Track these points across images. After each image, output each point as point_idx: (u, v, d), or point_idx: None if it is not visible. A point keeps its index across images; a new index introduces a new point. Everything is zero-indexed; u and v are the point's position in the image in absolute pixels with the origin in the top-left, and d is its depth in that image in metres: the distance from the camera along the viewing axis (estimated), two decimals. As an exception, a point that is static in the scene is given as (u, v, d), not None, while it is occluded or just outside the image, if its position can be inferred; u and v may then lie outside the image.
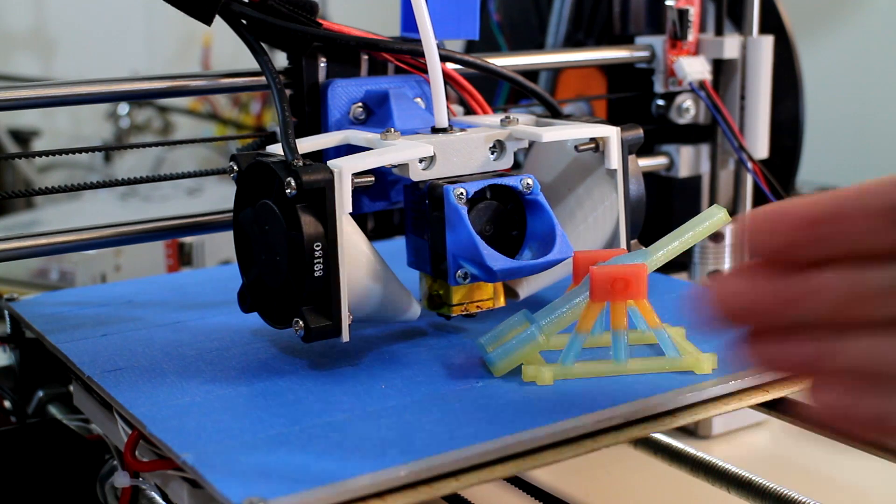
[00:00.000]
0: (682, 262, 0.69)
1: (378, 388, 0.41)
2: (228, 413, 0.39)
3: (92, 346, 0.46)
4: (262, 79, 0.49)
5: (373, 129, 0.47)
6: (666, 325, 0.44)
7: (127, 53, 1.53)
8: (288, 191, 0.40)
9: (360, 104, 0.50)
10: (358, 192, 0.41)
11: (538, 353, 0.43)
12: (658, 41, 0.64)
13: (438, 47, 0.45)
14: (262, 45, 0.48)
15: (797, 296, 0.29)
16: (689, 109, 0.65)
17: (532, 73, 0.74)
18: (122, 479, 0.42)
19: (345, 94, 0.49)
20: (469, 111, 0.52)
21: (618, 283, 0.41)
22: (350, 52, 0.50)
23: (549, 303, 0.44)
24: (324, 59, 0.50)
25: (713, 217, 0.43)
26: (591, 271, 0.41)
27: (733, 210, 0.68)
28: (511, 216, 0.45)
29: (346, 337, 0.42)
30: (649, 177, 0.64)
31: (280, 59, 0.52)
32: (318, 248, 0.40)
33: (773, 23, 0.69)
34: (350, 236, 0.42)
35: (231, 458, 0.35)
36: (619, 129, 0.48)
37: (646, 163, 0.65)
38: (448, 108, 0.46)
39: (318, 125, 0.50)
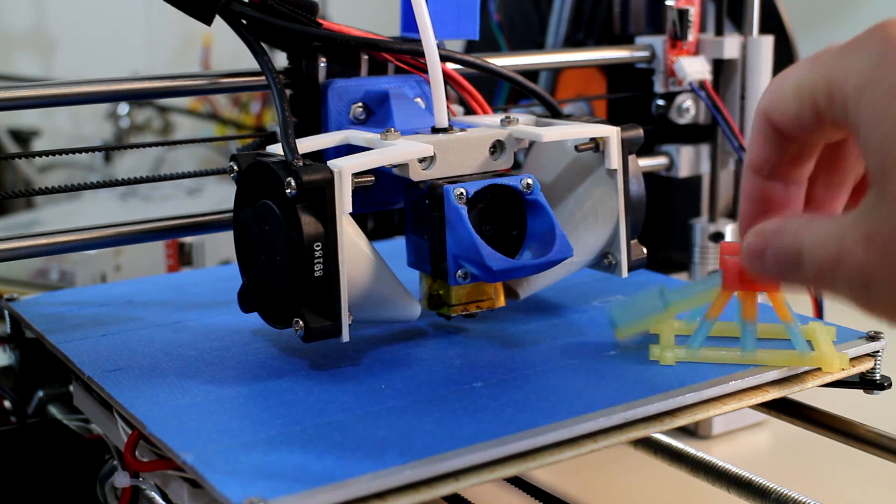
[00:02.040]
0: (682, 263, 0.70)
1: (378, 388, 0.41)
2: (228, 413, 0.39)
3: (92, 346, 0.46)
4: (262, 79, 0.49)
5: (373, 129, 0.47)
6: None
7: (127, 53, 1.53)
8: (288, 191, 0.40)
9: (360, 104, 0.50)
10: (358, 191, 0.42)
11: (670, 333, 0.45)
12: (658, 41, 0.64)
13: (438, 47, 0.45)
14: (262, 45, 0.48)
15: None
16: (689, 109, 0.65)
17: (532, 73, 0.74)
18: (122, 479, 0.42)
19: (345, 94, 0.49)
20: (469, 111, 0.52)
21: (749, 274, 0.41)
22: (350, 52, 0.50)
23: (551, 301, 0.44)
24: (324, 59, 0.50)
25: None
26: (724, 261, 0.42)
27: (733, 210, 0.68)
28: (511, 216, 0.45)
29: (346, 337, 0.42)
30: (649, 177, 0.64)
31: (280, 59, 0.52)
32: (318, 248, 0.40)
33: (773, 23, 0.69)
34: (350, 236, 0.42)
35: (231, 458, 0.35)
36: (619, 129, 0.48)
37: (646, 163, 0.65)
38: (448, 108, 0.46)
39: (318, 125, 0.50)
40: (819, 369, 0.43)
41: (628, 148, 0.48)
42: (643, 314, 0.44)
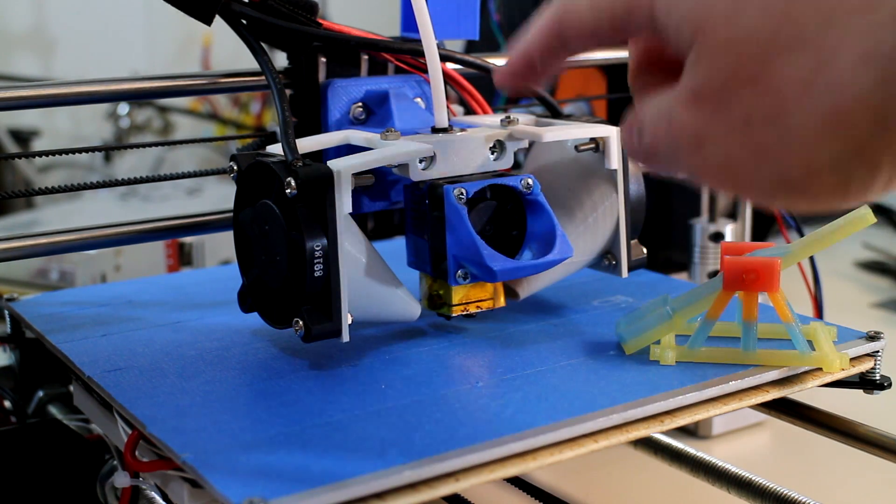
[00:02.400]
0: (682, 263, 0.70)
1: (378, 388, 0.41)
2: (228, 413, 0.39)
3: (92, 346, 0.46)
4: (262, 79, 0.49)
5: (373, 129, 0.47)
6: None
7: (127, 53, 1.52)
8: (288, 191, 0.40)
9: (360, 104, 0.50)
10: (358, 192, 0.42)
11: (671, 336, 0.44)
12: (658, 41, 0.64)
13: (438, 47, 0.45)
14: (262, 45, 0.48)
15: None
16: (689, 109, 0.65)
17: (532, 73, 0.74)
18: (122, 479, 0.42)
19: (345, 94, 0.49)
20: (469, 111, 0.52)
21: (749, 275, 0.42)
22: (350, 52, 0.50)
23: (551, 301, 0.44)
24: (324, 59, 0.50)
25: (857, 216, 0.43)
26: (724, 262, 0.42)
27: (733, 210, 0.68)
28: (511, 216, 0.45)
29: (346, 337, 0.42)
30: (649, 177, 0.64)
31: (280, 59, 0.52)
32: (318, 249, 0.40)
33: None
34: (350, 236, 0.42)
35: (231, 458, 0.35)
36: (619, 129, 0.48)
37: (646, 163, 0.65)
38: (448, 108, 0.46)
39: (318, 125, 0.50)
40: (819, 369, 0.43)
41: (628, 148, 0.48)
42: (650, 326, 0.44)
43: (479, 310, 0.46)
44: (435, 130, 0.46)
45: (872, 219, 0.42)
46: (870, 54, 0.27)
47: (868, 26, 0.27)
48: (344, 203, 0.41)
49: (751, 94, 0.29)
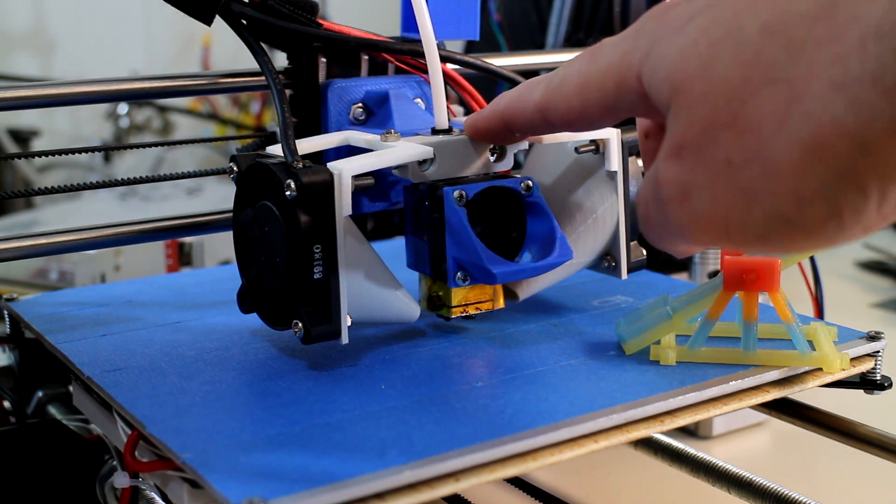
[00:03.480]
0: (682, 263, 0.69)
1: (378, 388, 0.41)
2: (228, 413, 0.39)
3: (92, 346, 0.46)
4: (262, 79, 0.49)
5: (373, 130, 0.47)
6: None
7: (127, 53, 1.52)
8: (288, 192, 0.40)
9: (360, 104, 0.50)
10: (358, 192, 0.41)
11: (671, 336, 0.44)
12: (658, 41, 0.64)
13: (438, 47, 0.45)
14: (262, 45, 0.48)
15: None
16: (688, 110, 0.65)
17: (532, 73, 0.74)
18: (121, 480, 0.42)
19: (345, 94, 0.49)
20: (469, 112, 0.52)
21: (749, 274, 0.42)
22: (350, 52, 0.50)
23: (551, 301, 0.44)
24: (324, 59, 0.50)
25: None
26: (724, 261, 0.42)
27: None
28: (511, 218, 0.45)
29: (345, 339, 0.42)
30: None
31: (280, 59, 0.52)
32: (317, 250, 0.40)
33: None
34: (349, 238, 0.42)
35: (231, 458, 0.35)
36: (619, 130, 0.48)
37: (646, 163, 0.65)
38: (448, 108, 0.46)
39: (318, 125, 0.50)
40: (820, 369, 0.43)
41: (628, 150, 0.48)
42: (650, 326, 0.44)
43: (479, 311, 0.46)
44: (435, 131, 0.46)
45: None
46: (839, 81, 0.27)
47: (835, 56, 0.27)
48: (343, 205, 0.41)
49: (729, 137, 0.30)
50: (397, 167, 0.44)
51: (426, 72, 0.46)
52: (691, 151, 0.31)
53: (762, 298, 0.44)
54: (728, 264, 0.42)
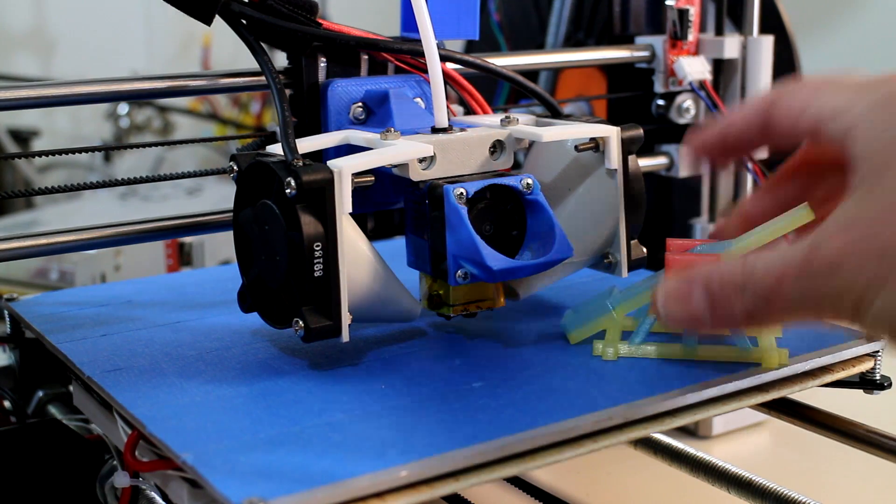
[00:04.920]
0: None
1: (378, 388, 0.41)
2: (228, 413, 0.39)
3: (92, 346, 0.46)
4: (262, 79, 0.49)
5: (373, 129, 0.47)
6: None
7: (127, 53, 1.53)
8: (288, 191, 0.40)
9: (360, 104, 0.50)
10: (358, 191, 0.42)
11: (616, 330, 0.45)
12: (658, 41, 0.64)
13: (438, 47, 0.45)
14: (262, 45, 0.48)
15: None
16: (689, 109, 0.65)
17: (532, 73, 0.74)
18: (122, 479, 0.42)
19: (345, 94, 0.49)
20: (469, 111, 0.52)
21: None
22: (350, 52, 0.50)
23: (551, 301, 0.44)
24: (324, 59, 0.50)
25: (796, 214, 0.43)
26: (667, 258, 0.43)
27: (733, 210, 0.68)
28: (511, 216, 0.45)
29: (345, 337, 0.42)
30: (649, 177, 0.64)
31: (280, 59, 0.52)
32: (317, 248, 0.40)
33: (773, 23, 0.69)
34: (350, 236, 0.42)
35: (231, 458, 0.35)
36: (619, 128, 0.48)
37: (646, 163, 0.65)
38: (448, 108, 0.46)
39: (318, 125, 0.50)
40: (821, 369, 0.44)
41: (628, 148, 0.48)
42: (591, 317, 0.45)
43: (479, 310, 0.46)
44: (435, 130, 0.46)
45: (812, 216, 0.42)
46: None
47: None
48: (344, 203, 0.41)
49: None
50: (397, 166, 0.44)
51: (426, 71, 0.46)
52: (868, 225, 0.33)
53: None
54: (670, 260, 0.43)
